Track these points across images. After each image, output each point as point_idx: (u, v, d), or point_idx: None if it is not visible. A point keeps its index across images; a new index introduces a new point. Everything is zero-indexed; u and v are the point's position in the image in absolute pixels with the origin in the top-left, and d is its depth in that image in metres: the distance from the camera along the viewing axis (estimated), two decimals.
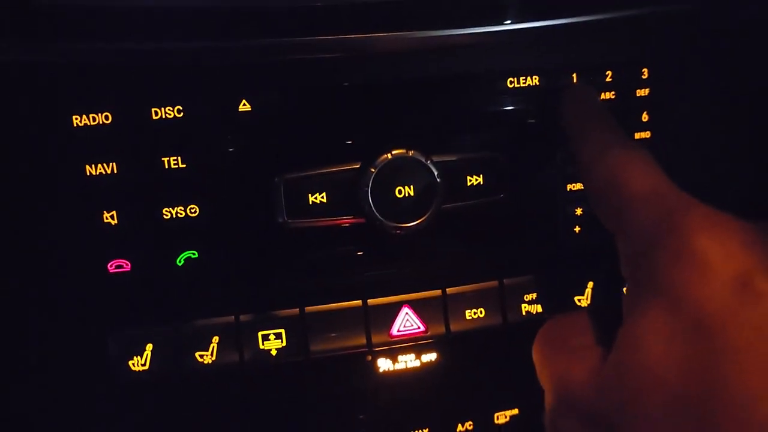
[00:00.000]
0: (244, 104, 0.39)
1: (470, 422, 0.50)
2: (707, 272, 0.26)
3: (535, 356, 0.35)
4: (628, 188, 0.31)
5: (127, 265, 0.39)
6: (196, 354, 0.41)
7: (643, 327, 0.27)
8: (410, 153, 0.39)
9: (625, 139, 0.35)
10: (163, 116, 0.38)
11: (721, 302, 0.25)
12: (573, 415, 0.30)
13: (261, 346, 0.41)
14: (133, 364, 0.40)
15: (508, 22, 0.39)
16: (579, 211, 0.44)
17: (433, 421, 0.49)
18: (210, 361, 0.41)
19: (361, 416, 0.47)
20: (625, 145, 0.34)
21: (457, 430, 0.50)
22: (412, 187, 0.39)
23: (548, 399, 0.32)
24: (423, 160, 0.40)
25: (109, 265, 0.39)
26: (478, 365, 0.48)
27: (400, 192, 0.39)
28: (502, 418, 0.51)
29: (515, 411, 0.51)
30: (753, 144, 0.49)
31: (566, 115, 0.39)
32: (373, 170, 0.39)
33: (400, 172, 0.39)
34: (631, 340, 0.27)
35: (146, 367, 0.40)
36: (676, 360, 0.25)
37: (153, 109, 0.37)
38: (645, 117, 0.45)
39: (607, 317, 0.31)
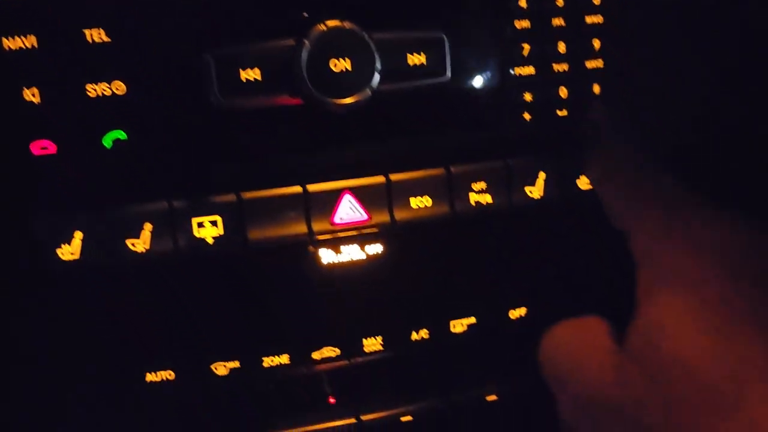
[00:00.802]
0: None
1: (425, 330, 0.49)
2: (725, 258, 0.26)
3: (543, 360, 0.34)
4: (644, 190, 0.31)
5: (52, 147, 0.37)
6: (128, 241, 0.39)
7: (662, 311, 0.26)
8: (346, 25, 0.38)
9: (638, 159, 0.35)
10: None
11: (741, 284, 0.25)
12: (595, 417, 0.29)
13: (196, 234, 0.39)
14: (62, 252, 0.39)
15: None
16: (528, 97, 0.43)
17: (385, 329, 0.48)
18: (143, 249, 0.39)
19: (308, 324, 0.46)
20: (639, 161, 0.34)
21: (412, 338, 0.48)
22: (349, 61, 0.38)
23: (565, 405, 0.31)
24: (360, 32, 0.38)
25: (32, 146, 0.37)
26: (430, 266, 0.46)
27: (336, 66, 0.38)
28: (458, 326, 0.49)
29: (472, 320, 0.49)
30: (710, 75, 0.47)
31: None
32: (307, 43, 0.37)
33: (336, 45, 0.38)
34: (648, 326, 0.27)
35: (76, 256, 0.39)
36: (700, 340, 0.24)
37: None
38: (596, 44, 0.43)
39: (617, 315, 0.30)
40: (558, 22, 0.43)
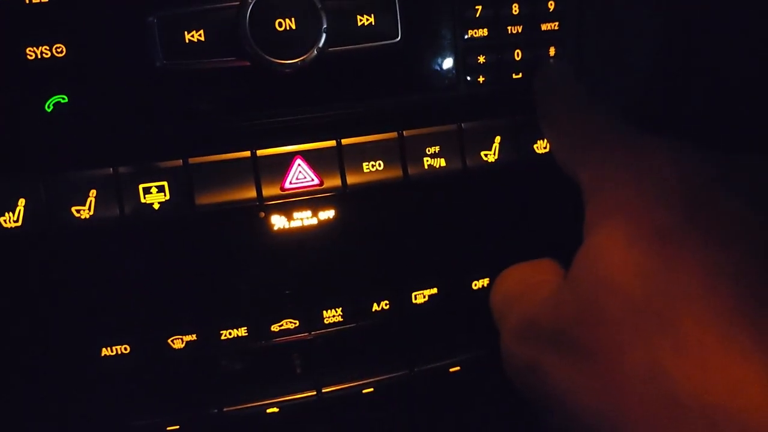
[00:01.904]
0: None
1: (386, 301, 0.48)
2: (665, 188, 0.27)
3: (494, 298, 0.35)
4: (588, 131, 0.33)
5: None
6: (73, 209, 0.38)
7: (602, 239, 0.27)
8: None
9: (586, 105, 0.37)
10: None
11: (678, 213, 0.26)
12: (532, 341, 0.29)
13: (142, 199, 0.39)
14: (5, 220, 0.38)
15: None
16: (482, 59, 0.42)
17: (345, 300, 0.47)
18: (87, 216, 0.38)
19: (265, 294, 0.45)
20: (586, 107, 0.36)
21: (373, 309, 0.48)
22: (294, 20, 0.37)
23: (506, 334, 0.32)
24: None
25: None
26: (388, 233, 0.46)
27: (280, 25, 0.37)
28: (420, 297, 0.49)
29: (434, 290, 0.49)
30: (663, 80, 0.46)
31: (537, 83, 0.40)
32: (251, 2, 0.37)
33: (280, 4, 0.37)
34: (589, 253, 0.27)
35: (19, 224, 0.38)
36: (635, 265, 0.25)
37: None
38: (551, 5, 0.43)
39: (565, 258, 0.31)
40: None
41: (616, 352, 0.25)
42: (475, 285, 0.50)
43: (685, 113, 0.41)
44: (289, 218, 0.42)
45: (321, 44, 0.38)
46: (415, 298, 0.48)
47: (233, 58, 0.38)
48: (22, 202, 0.38)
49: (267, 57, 0.37)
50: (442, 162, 0.42)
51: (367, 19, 0.39)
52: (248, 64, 0.38)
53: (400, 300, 0.48)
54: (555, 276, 0.32)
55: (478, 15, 0.42)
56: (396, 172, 0.42)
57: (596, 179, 0.30)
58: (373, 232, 0.45)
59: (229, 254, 0.43)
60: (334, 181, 0.41)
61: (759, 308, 0.22)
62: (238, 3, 0.37)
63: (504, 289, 0.35)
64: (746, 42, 0.40)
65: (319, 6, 0.37)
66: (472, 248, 0.49)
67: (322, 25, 0.38)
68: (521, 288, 0.33)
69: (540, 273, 0.33)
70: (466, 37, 0.42)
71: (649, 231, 0.26)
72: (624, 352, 0.24)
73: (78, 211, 0.38)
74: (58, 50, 0.37)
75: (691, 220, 0.26)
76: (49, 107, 0.37)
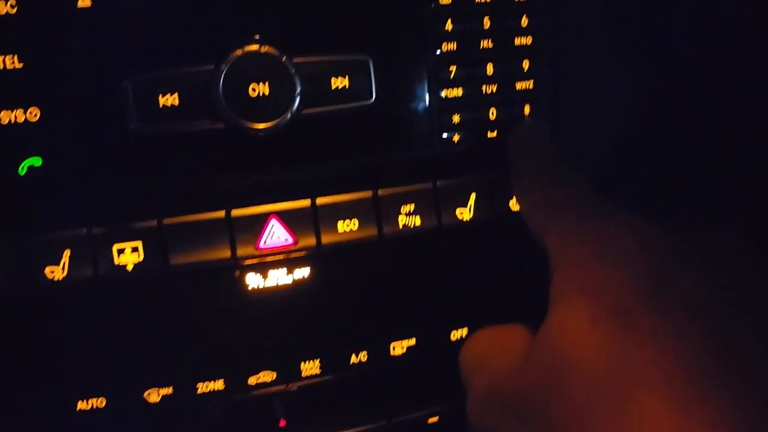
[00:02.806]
0: None
1: (364, 353, 0.48)
2: (628, 266, 0.28)
3: (463, 360, 0.37)
4: (560, 200, 0.34)
5: None
6: (47, 269, 0.38)
7: (566, 314, 0.28)
8: (263, 50, 0.38)
9: (557, 170, 0.37)
10: None
11: (640, 292, 0.27)
12: (496, 407, 0.30)
13: (116, 260, 0.39)
14: None
15: None
16: (457, 119, 0.43)
17: (323, 352, 0.47)
18: (61, 277, 0.38)
19: (242, 349, 0.45)
20: (557, 171, 0.37)
21: (351, 361, 0.48)
22: (267, 85, 0.38)
23: (472, 398, 0.34)
24: (278, 57, 0.38)
25: None
26: (364, 288, 0.46)
27: (254, 90, 0.37)
28: (398, 348, 0.49)
29: (412, 341, 0.49)
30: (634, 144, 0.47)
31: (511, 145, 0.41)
32: (224, 67, 0.37)
33: (254, 70, 0.38)
34: (553, 328, 0.28)
35: None
36: (595, 343, 0.26)
37: None
38: (525, 65, 0.43)
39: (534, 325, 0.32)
40: (486, 44, 0.43)
41: (575, 426, 0.25)
42: (454, 335, 0.50)
43: (655, 180, 0.42)
44: (265, 277, 0.42)
45: (295, 108, 0.38)
46: (394, 349, 0.48)
47: (207, 121, 0.38)
48: None
49: (241, 121, 0.37)
50: (417, 221, 0.43)
51: (341, 82, 0.40)
52: (222, 126, 0.38)
53: (379, 351, 0.48)
54: (522, 343, 0.32)
55: (452, 76, 0.42)
56: (371, 231, 0.42)
57: (561, 249, 0.31)
58: (349, 287, 0.45)
59: (205, 312, 0.43)
60: (309, 241, 0.41)
61: (711, 398, 0.23)
62: (212, 67, 0.38)
63: (472, 351, 0.36)
64: (718, 111, 0.41)
65: (293, 71, 0.38)
66: (449, 299, 0.49)
67: (296, 90, 0.38)
68: (489, 351, 0.34)
69: (507, 339, 0.34)
70: (441, 96, 0.42)
71: (610, 311, 0.26)
72: (583, 427, 0.25)
73: (52, 271, 0.38)
74: (33, 114, 0.37)
75: (652, 301, 0.26)
76: (22, 170, 0.37)
